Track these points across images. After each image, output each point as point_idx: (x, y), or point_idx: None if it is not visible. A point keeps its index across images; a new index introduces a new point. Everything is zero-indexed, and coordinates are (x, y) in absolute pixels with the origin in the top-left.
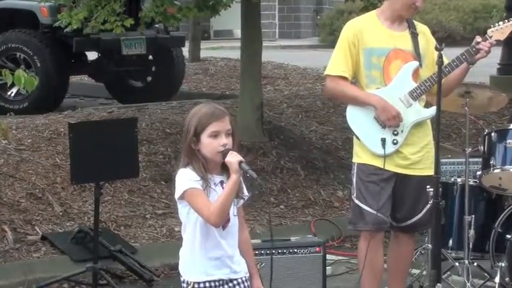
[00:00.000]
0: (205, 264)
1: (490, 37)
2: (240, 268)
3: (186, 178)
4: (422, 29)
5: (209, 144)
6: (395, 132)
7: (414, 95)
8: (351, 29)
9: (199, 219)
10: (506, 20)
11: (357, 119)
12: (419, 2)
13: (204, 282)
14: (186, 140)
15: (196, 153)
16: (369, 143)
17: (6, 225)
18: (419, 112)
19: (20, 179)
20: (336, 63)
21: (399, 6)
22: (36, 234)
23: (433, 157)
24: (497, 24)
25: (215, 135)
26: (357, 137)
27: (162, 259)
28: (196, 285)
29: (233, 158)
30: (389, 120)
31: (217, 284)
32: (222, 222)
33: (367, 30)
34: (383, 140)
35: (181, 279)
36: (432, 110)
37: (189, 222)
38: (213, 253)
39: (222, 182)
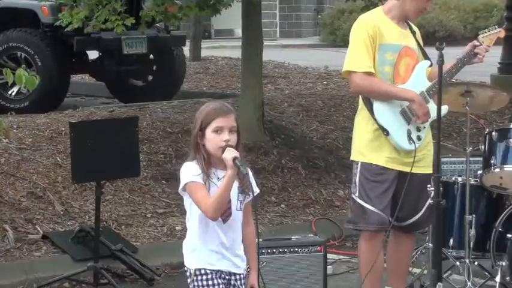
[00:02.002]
0: (207, 255)
1: (482, 42)
2: (241, 264)
3: (188, 171)
4: (416, 29)
5: (212, 139)
6: (419, 129)
7: (430, 93)
8: (369, 24)
9: (199, 211)
10: (491, 28)
11: (384, 114)
12: (429, 7)
13: (205, 269)
14: (193, 133)
15: (201, 147)
16: (397, 138)
17: (7, 224)
18: (435, 110)
19: (21, 178)
20: (359, 58)
21: (410, 8)
22: (37, 233)
23: (432, 155)
24: (485, 31)
25: (218, 130)
26: (386, 133)
27: (163, 258)
28: (197, 272)
29: (228, 154)
30: (425, 115)
31: (217, 274)
32: (219, 216)
33: (382, 26)
34: (409, 135)
35: (185, 268)
36: (445, 108)
37: (191, 213)
38: (212, 245)
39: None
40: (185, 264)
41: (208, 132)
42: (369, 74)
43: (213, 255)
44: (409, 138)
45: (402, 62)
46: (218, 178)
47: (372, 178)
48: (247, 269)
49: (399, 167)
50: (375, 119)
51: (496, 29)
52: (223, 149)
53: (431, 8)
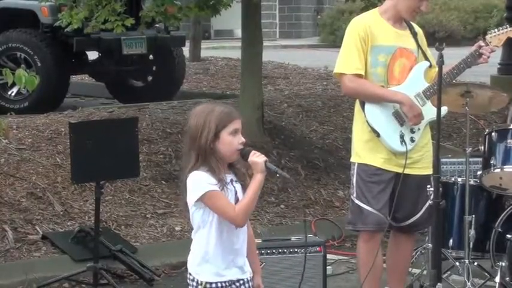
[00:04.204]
0: (218, 265)
1: (490, 43)
2: (247, 268)
3: (203, 181)
4: (418, 30)
5: (229, 142)
6: (413, 130)
7: (428, 94)
8: (361, 25)
9: (214, 220)
10: (502, 27)
11: (376, 116)
12: (424, 7)
13: (216, 283)
14: (203, 137)
15: (212, 152)
16: (389, 140)
17: (6, 224)
18: (433, 111)
19: (20, 178)
20: (350, 60)
21: (404, 8)
22: (36, 233)
23: (432, 156)
24: (494, 30)
25: (235, 132)
26: (377, 134)
27: (163, 258)
28: (208, 285)
29: (258, 158)
30: (416, 118)
31: (227, 284)
32: (246, 222)
33: (375, 28)
34: (402, 137)
35: (190, 277)
36: (444, 110)
37: (204, 223)
38: (225, 252)
39: (232, 181)
40: (191, 272)
41: (225, 135)
42: (358, 76)
43: (225, 263)
44: (402, 140)
45: (397, 63)
46: (226, 182)
47: (367, 179)
48: (252, 274)
49: (395, 168)
50: (366, 121)
51: (507, 28)
52: (241, 152)
53: (427, 9)
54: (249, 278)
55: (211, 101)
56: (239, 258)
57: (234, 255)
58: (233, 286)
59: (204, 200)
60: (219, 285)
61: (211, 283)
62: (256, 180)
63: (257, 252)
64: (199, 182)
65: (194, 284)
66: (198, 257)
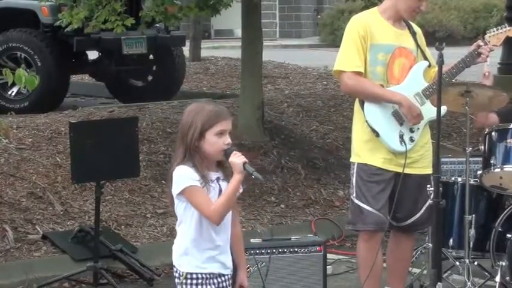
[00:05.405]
0: (198, 258)
1: (489, 42)
2: (229, 264)
3: (186, 175)
4: (417, 30)
5: (215, 142)
6: (413, 130)
7: (427, 94)
8: (360, 23)
9: (195, 215)
10: (501, 26)
11: (375, 116)
12: (424, 7)
13: (197, 274)
14: (189, 136)
15: (197, 150)
16: (388, 140)
17: (7, 224)
18: (432, 110)
19: (20, 178)
20: (349, 58)
21: (403, 8)
22: (36, 233)
23: (431, 156)
24: (492, 30)
25: (221, 133)
26: (377, 134)
27: (163, 258)
28: (189, 276)
29: (238, 159)
30: (414, 118)
31: (208, 276)
32: (222, 220)
33: (375, 26)
34: (401, 137)
35: (174, 269)
36: (443, 109)
37: (185, 217)
38: (205, 248)
39: (218, 179)
40: (174, 264)
41: (210, 135)
42: (358, 73)
43: (205, 258)
44: (401, 139)
45: (396, 63)
46: (211, 180)
47: (367, 179)
48: (234, 268)
49: (395, 168)
50: (366, 121)
51: (506, 27)
52: (226, 153)
53: (427, 8)
54: (229, 275)
55: (210, 100)
56: (222, 255)
57: (217, 251)
58: (215, 280)
59: (185, 194)
60: (200, 276)
61: (191, 273)
62: (235, 181)
63: (257, 252)
64: (182, 176)
65: (177, 275)
66: (180, 249)
